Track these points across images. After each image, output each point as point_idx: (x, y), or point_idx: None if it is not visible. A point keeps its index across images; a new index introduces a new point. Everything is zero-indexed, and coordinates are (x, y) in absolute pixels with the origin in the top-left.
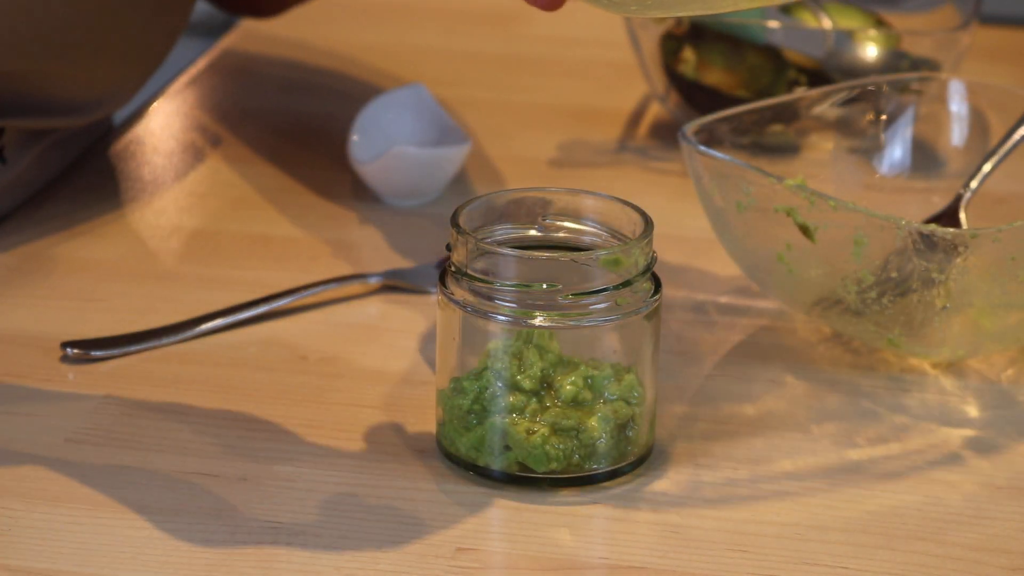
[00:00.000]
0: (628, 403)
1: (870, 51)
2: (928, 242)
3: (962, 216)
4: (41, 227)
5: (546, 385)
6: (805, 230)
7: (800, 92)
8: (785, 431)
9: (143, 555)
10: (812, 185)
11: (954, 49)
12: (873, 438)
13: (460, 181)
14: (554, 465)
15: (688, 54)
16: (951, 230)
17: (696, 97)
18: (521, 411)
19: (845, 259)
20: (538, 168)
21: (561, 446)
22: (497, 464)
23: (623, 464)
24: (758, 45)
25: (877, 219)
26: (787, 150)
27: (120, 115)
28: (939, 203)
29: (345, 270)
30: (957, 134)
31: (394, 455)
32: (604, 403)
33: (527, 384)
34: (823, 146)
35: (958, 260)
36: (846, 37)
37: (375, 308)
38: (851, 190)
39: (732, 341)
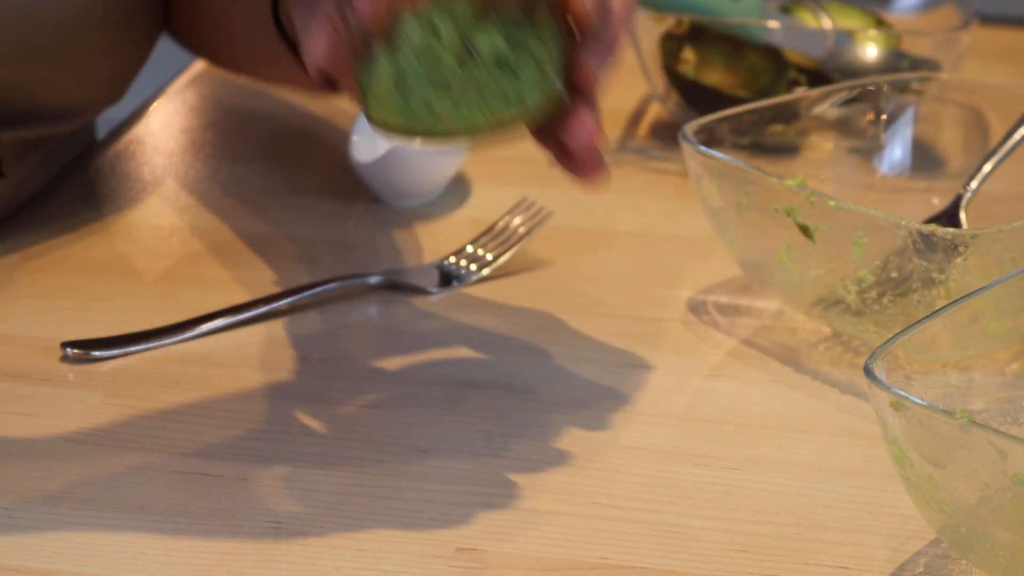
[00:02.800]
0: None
1: (870, 51)
2: (928, 242)
3: (962, 216)
4: (41, 227)
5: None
6: (805, 230)
7: (800, 92)
8: (785, 431)
9: (143, 555)
10: (812, 185)
11: (954, 49)
12: (874, 437)
13: (459, 181)
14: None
15: (688, 54)
16: (951, 230)
17: (696, 97)
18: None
19: (845, 259)
20: (539, 167)
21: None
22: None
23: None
24: (758, 45)
25: (877, 219)
26: (787, 150)
27: (119, 115)
28: (939, 203)
29: (345, 270)
30: (957, 134)
31: (395, 454)
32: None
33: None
34: (823, 146)
35: (958, 260)
36: (846, 37)
37: (375, 308)
38: (851, 190)
39: (732, 341)
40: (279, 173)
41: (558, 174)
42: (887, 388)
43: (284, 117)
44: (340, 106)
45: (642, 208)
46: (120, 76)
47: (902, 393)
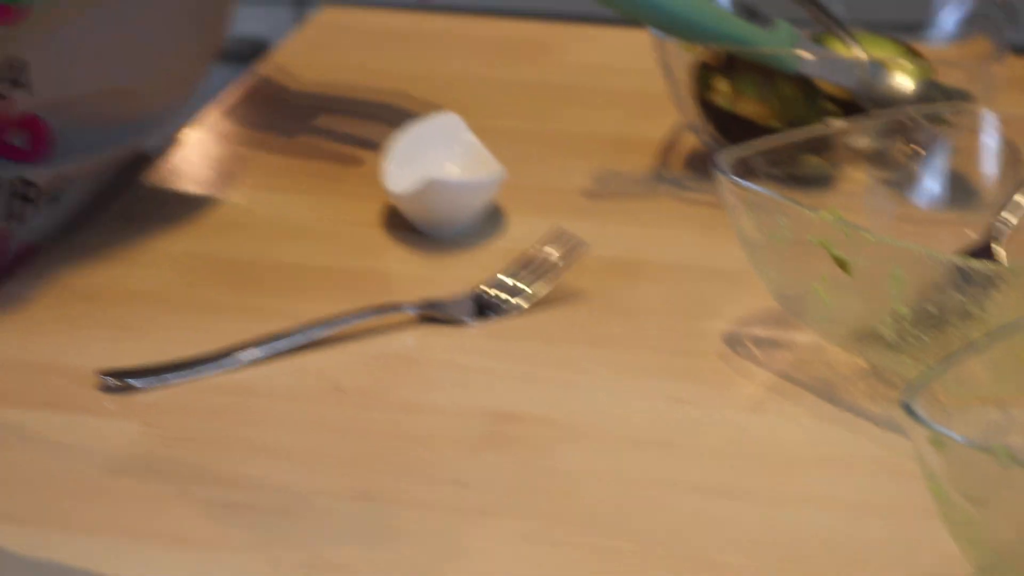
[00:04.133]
0: None
1: (903, 82)
2: (965, 276)
3: (997, 249)
4: (77, 256)
5: None
6: (841, 263)
7: (833, 123)
8: (823, 467)
9: None
10: (846, 217)
11: (987, 80)
12: (913, 473)
13: (493, 211)
14: None
15: (721, 84)
16: (988, 264)
17: (729, 127)
18: None
19: (881, 292)
20: (571, 198)
21: None
22: None
23: None
24: (791, 75)
25: (914, 252)
26: (821, 181)
27: (154, 143)
28: (973, 235)
29: (380, 300)
30: (990, 166)
31: (430, 487)
32: None
33: None
34: (857, 177)
35: (996, 294)
36: (879, 67)
37: (411, 339)
38: (885, 222)
39: (768, 374)
40: (315, 201)
41: (592, 204)
42: (926, 424)
43: (318, 144)
44: (374, 134)
45: (676, 239)
46: (184, 89)
47: (941, 429)
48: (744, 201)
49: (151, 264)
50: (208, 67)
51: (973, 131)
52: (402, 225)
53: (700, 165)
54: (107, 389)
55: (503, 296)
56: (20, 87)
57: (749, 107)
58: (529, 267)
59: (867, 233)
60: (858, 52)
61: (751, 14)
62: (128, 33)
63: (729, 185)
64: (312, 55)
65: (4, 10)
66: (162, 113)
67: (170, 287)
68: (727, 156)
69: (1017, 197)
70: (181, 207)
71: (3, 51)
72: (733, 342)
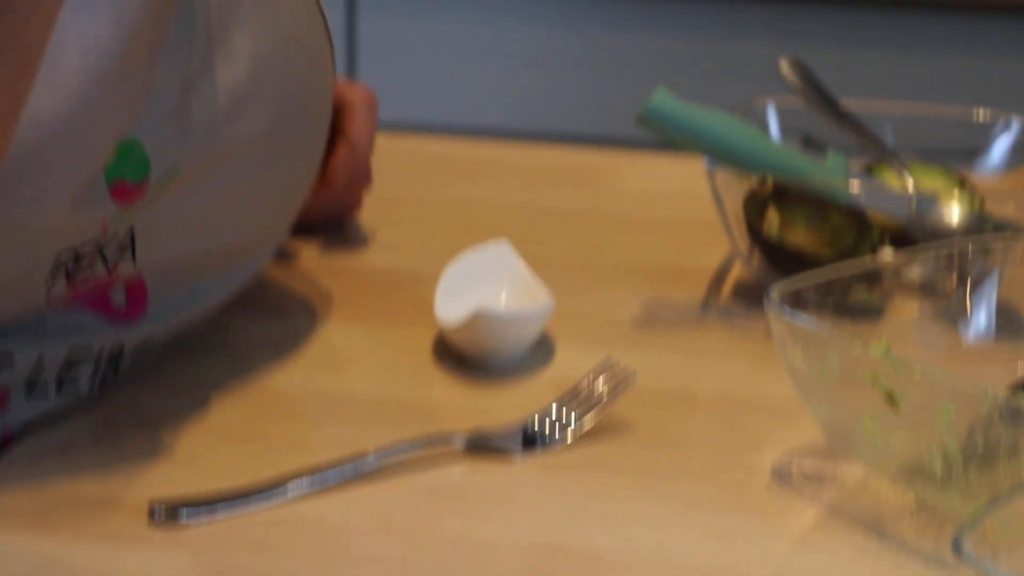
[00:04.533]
0: None
1: (954, 213)
2: (1014, 412)
3: None
4: (128, 384)
5: None
6: (890, 398)
7: (884, 254)
8: None
9: None
10: (896, 349)
11: None
12: None
13: (543, 340)
14: None
15: (772, 214)
16: None
17: (779, 257)
18: None
19: (930, 427)
20: (621, 327)
21: None
22: None
23: None
24: (842, 206)
25: (963, 387)
26: (871, 312)
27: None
28: None
29: (429, 430)
30: None
31: None
32: None
33: None
34: (907, 308)
35: None
36: (929, 199)
37: (459, 470)
38: (935, 354)
39: (816, 508)
40: (364, 329)
41: (641, 334)
42: (977, 565)
43: (367, 272)
44: (424, 262)
45: (725, 370)
46: (284, 222)
47: (991, 569)
48: (795, 335)
49: (202, 392)
50: (296, 212)
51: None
52: (452, 354)
53: (750, 295)
54: (157, 520)
55: (551, 428)
56: (127, 255)
57: (800, 237)
58: (578, 398)
59: (916, 367)
60: (909, 183)
61: (803, 143)
62: (229, 195)
63: (780, 318)
64: None
65: (127, 191)
66: (251, 265)
67: (219, 416)
68: (778, 289)
69: None
70: (229, 336)
71: (120, 223)
72: (780, 475)
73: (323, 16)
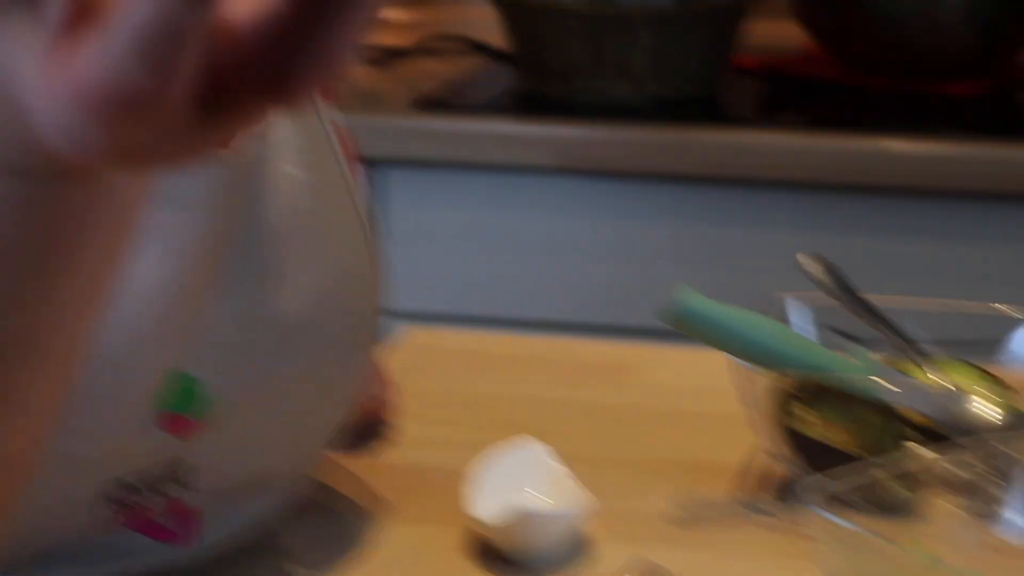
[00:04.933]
0: None
1: (984, 409)
2: None
3: None
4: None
5: None
6: None
7: (915, 450)
8: None
9: None
10: (929, 545)
11: None
12: None
13: (576, 541)
14: None
15: (801, 409)
16: None
17: (809, 452)
18: None
19: None
20: (654, 524)
21: None
22: None
23: None
24: (871, 401)
25: None
26: (903, 508)
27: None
28: None
29: None
30: None
31: None
32: None
33: None
34: (940, 505)
35: None
36: (959, 395)
37: None
38: (971, 552)
39: None
40: (391, 528)
41: (674, 531)
42: None
43: (394, 468)
44: (452, 458)
45: (757, 567)
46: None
47: None
48: (828, 533)
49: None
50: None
51: None
52: (482, 551)
53: (780, 489)
54: None
55: None
56: (183, 487)
57: (829, 433)
58: None
59: (947, 568)
60: (938, 379)
61: (827, 337)
62: (281, 422)
63: (812, 517)
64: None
65: (178, 422)
66: (300, 481)
67: None
68: (810, 487)
69: None
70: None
71: (173, 455)
72: None
73: (371, 248)
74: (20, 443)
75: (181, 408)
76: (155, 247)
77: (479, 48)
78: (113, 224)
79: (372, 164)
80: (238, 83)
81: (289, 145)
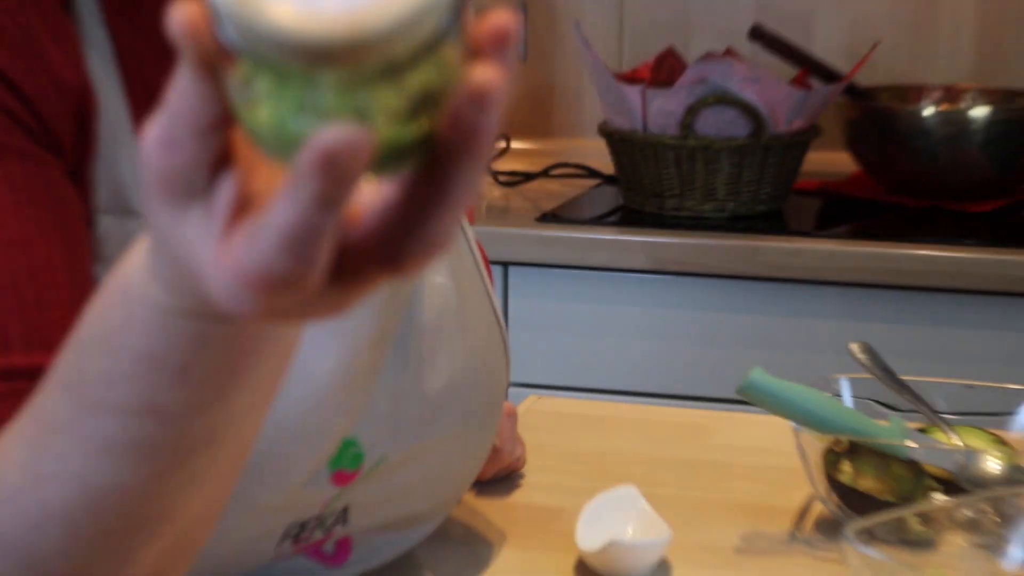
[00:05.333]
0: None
1: (993, 465)
2: None
3: None
4: None
5: None
6: None
7: (937, 498)
8: None
9: None
10: (945, 573)
11: None
12: None
13: (662, 564)
14: None
15: (845, 465)
16: None
17: (852, 499)
18: None
19: None
20: (725, 554)
21: None
22: None
23: None
24: (902, 459)
25: None
26: (926, 544)
27: None
28: None
29: None
30: None
31: None
32: None
33: None
34: (955, 541)
35: None
36: (973, 454)
37: None
38: None
39: None
40: (515, 554)
41: (741, 559)
42: None
43: (521, 508)
44: (565, 500)
45: None
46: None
47: None
48: (867, 565)
49: None
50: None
51: None
52: (586, 575)
53: (829, 529)
54: None
55: None
56: (344, 523)
57: (868, 483)
58: None
59: None
60: (956, 441)
61: (874, 409)
62: (426, 475)
63: (854, 552)
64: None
65: (344, 477)
66: (441, 517)
67: None
68: (852, 527)
69: None
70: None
71: (340, 502)
72: None
73: (501, 335)
74: (204, 507)
75: (345, 465)
76: (335, 342)
77: (591, 173)
78: (267, 353)
79: (504, 266)
80: (364, 260)
81: (439, 259)
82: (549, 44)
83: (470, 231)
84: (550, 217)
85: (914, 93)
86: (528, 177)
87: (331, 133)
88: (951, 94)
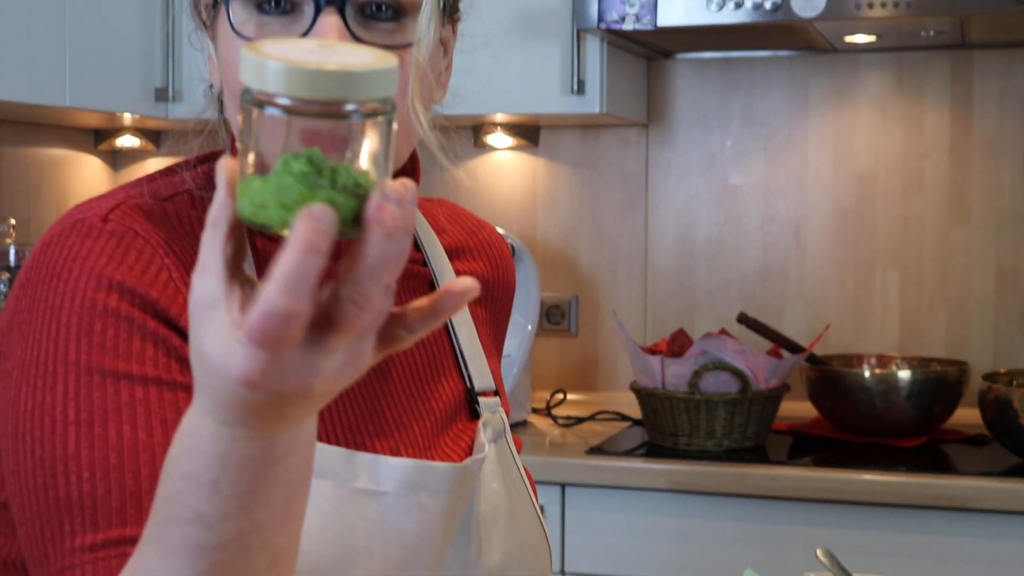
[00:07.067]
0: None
1: None
2: None
3: None
4: None
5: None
6: None
7: None
8: None
9: None
10: None
11: None
12: None
13: None
14: None
15: None
16: None
17: None
18: None
19: None
20: None
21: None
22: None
23: None
24: None
25: None
26: None
27: None
28: None
29: None
30: None
31: None
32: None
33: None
34: None
35: None
36: None
37: None
38: None
39: None
40: None
41: None
42: None
43: None
44: None
45: None
46: None
47: None
48: None
49: None
50: None
51: None
52: None
53: None
54: None
55: None
56: None
57: None
58: None
59: None
60: None
61: None
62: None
63: None
64: None
65: None
66: None
67: None
68: None
69: None
70: None
71: None
72: None
73: (544, 528)
74: None
75: None
76: (416, 516)
77: (624, 418)
78: (279, 477)
79: (562, 486)
80: (327, 326)
81: (494, 471)
82: (594, 326)
83: (519, 458)
84: (596, 450)
85: (856, 360)
86: (579, 420)
87: (316, 206)
88: (883, 361)
